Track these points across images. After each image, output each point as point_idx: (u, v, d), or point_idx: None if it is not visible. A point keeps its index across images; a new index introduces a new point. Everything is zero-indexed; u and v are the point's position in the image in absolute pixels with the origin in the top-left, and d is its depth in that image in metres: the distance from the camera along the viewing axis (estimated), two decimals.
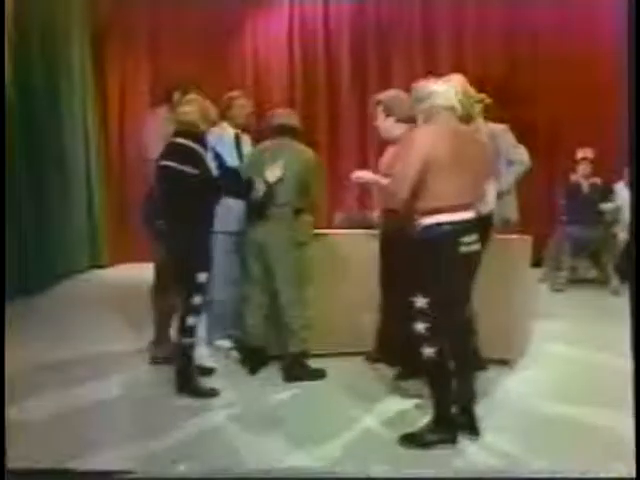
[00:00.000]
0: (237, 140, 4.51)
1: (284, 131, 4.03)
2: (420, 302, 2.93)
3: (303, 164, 3.97)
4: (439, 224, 2.90)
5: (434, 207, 2.90)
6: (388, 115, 3.77)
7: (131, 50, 8.73)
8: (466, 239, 2.93)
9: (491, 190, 3.32)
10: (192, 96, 3.77)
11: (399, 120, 3.74)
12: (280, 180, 3.86)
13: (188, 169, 3.56)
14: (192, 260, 3.65)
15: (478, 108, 3.90)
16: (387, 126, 3.80)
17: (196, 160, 3.60)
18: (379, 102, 3.83)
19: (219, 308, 4.55)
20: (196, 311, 3.70)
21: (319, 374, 3.98)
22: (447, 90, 3.06)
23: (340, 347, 4.29)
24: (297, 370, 3.95)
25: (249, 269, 4.08)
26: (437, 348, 2.95)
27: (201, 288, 3.68)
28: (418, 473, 2.78)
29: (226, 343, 4.56)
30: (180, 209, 3.65)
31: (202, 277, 3.66)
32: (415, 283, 2.96)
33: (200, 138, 3.68)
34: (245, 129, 4.60)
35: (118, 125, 8.80)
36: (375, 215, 4.32)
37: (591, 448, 3.04)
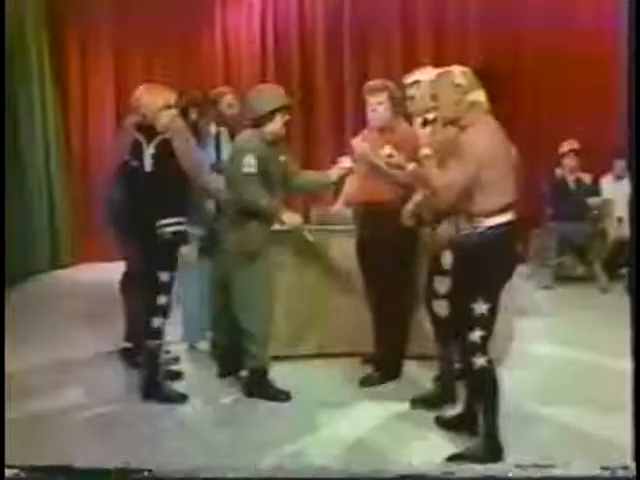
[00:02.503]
0: (217, 138, 4.39)
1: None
2: (481, 308, 2.76)
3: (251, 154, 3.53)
4: (500, 225, 2.77)
5: (494, 208, 2.76)
6: (393, 105, 3.78)
7: (93, 42, 8.42)
8: (515, 239, 2.88)
9: None
10: (150, 85, 3.69)
11: (398, 113, 3.81)
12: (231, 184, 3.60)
13: (134, 163, 3.46)
14: (154, 258, 3.49)
15: None
16: (388, 116, 3.78)
17: (139, 152, 3.45)
18: (386, 88, 3.80)
19: (193, 308, 4.41)
20: (162, 312, 3.54)
21: (283, 396, 3.65)
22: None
23: (322, 348, 4.21)
24: (256, 387, 3.67)
25: (214, 280, 3.92)
26: (488, 357, 2.82)
27: (164, 288, 3.51)
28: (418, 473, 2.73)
29: (205, 345, 4.42)
30: (138, 204, 3.48)
31: (165, 276, 3.50)
32: (475, 288, 2.78)
33: (147, 129, 3.49)
34: (227, 125, 4.44)
35: (80, 122, 8.50)
36: (349, 210, 4.16)
37: (580, 448, 2.97)
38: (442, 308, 3.29)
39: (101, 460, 2.87)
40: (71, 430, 3.28)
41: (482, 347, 2.80)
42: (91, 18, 8.31)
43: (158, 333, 3.55)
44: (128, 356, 4.13)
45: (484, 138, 2.76)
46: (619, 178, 6.67)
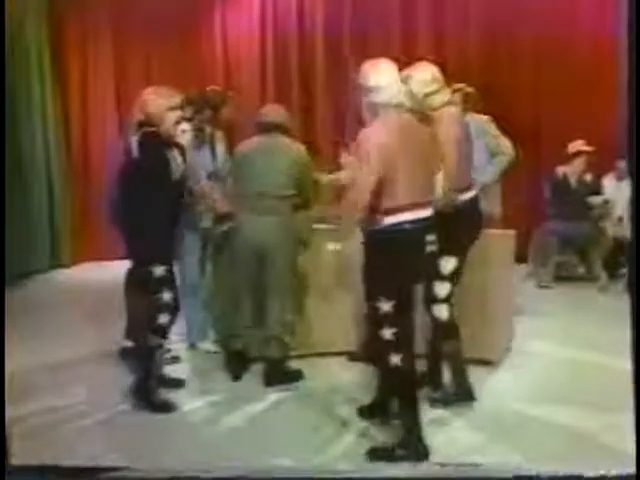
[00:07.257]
0: (212, 139, 4.41)
1: (273, 128, 3.92)
2: (385, 306, 2.79)
3: (293, 159, 3.85)
4: (402, 223, 2.79)
5: (395, 206, 2.79)
6: None
7: (93, 42, 8.38)
8: (429, 238, 2.86)
9: (439, 181, 3.12)
10: (153, 88, 3.62)
11: None
12: (272, 175, 3.77)
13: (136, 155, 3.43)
14: (146, 252, 3.43)
15: (447, 97, 3.72)
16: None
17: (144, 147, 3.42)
18: None
19: (197, 307, 4.40)
20: (166, 308, 3.45)
21: (297, 376, 3.87)
22: (391, 85, 2.91)
23: (327, 347, 4.21)
24: (278, 375, 3.84)
25: (239, 267, 3.87)
26: (403, 355, 2.84)
27: (163, 283, 3.42)
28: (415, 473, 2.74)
29: (207, 345, 4.43)
30: (131, 196, 3.46)
31: (159, 270, 3.40)
32: (378, 285, 2.82)
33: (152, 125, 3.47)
34: (225, 127, 4.50)
35: (80, 120, 8.45)
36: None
37: (579, 448, 2.98)
38: (441, 311, 3.35)
39: (100, 459, 2.87)
40: (71, 429, 3.28)
41: (395, 345, 2.81)
42: (91, 18, 8.28)
43: (163, 331, 3.49)
44: (128, 355, 4.13)
45: (378, 136, 2.79)
46: (620, 178, 6.66)
